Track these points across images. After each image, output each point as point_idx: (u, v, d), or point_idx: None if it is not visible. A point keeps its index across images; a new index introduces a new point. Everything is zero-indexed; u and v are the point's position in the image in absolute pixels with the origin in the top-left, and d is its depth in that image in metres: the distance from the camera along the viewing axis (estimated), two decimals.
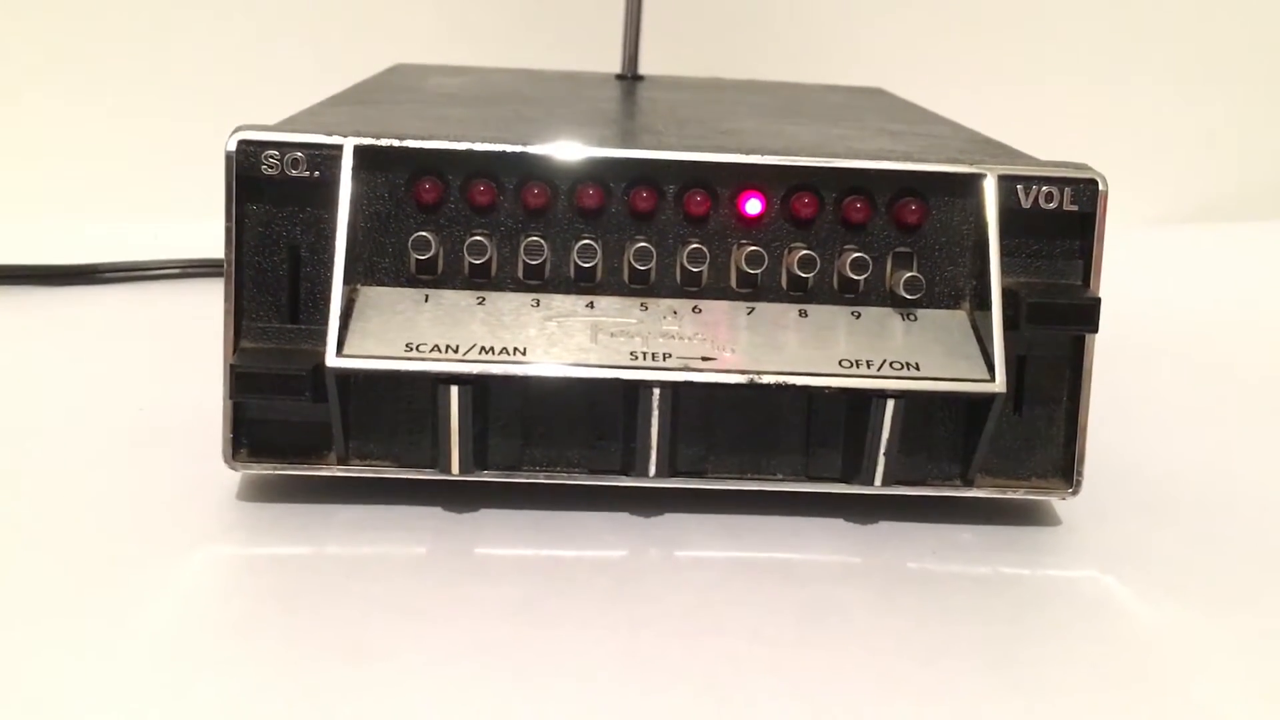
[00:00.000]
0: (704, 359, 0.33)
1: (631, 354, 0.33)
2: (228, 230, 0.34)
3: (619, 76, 0.58)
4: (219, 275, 0.61)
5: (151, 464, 0.37)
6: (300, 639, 0.28)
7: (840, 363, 0.34)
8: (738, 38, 0.74)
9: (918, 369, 0.34)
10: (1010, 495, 0.36)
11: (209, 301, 0.57)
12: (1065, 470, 0.36)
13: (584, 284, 0.35)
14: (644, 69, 0.58)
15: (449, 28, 0.72)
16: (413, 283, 0.34)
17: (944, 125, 0.46)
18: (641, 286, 0.35)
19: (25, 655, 0.28)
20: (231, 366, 0.33)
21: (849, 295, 0.35)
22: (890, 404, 0.33)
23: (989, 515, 0.36)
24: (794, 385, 0.33)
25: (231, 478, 0.36)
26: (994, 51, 0.77)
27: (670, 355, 0.33)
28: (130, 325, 0.53)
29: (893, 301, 0.35)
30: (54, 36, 0.70)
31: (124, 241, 0.61)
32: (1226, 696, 0.28)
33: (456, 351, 0.33)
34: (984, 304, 0.34)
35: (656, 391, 0.33)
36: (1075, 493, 0.35)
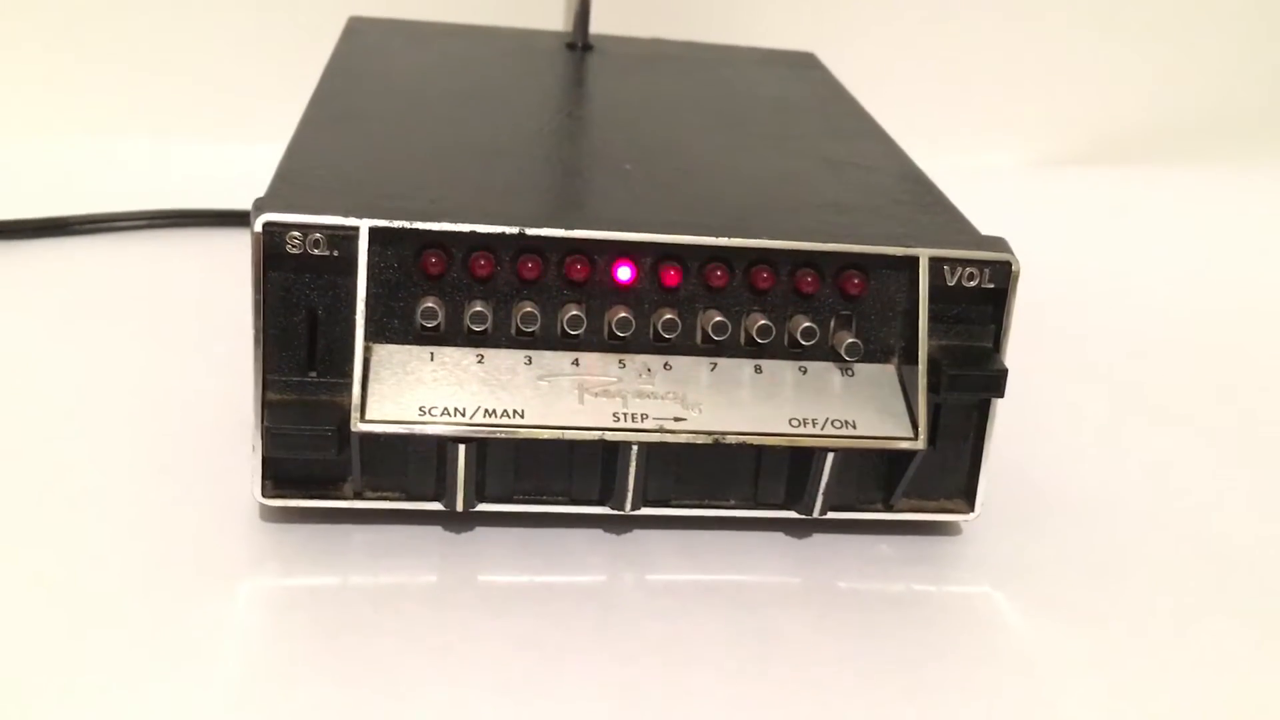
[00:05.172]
0: (675, 419, 0.39)
1: (614, 415, 0.39)
2: (255, 299, 0.38)
3: (569, 45, 0.61)
4: (187, 226, 0.65)
5: (172, 473, 0.42)
6: (346, 682, 0.34)
7: (790, 421, 0.40)
8: None
9: (854, 427, 0.40)
10: (923, 517, 0.43)
11: (183, 256, 0.60)
12: (969, 495, 0.42)
13: (570, 342, 0.40)
14: None
15: None
16: (419, 340, 0.39)
17: (877, 144, 0.51)
18: (620, 342, 0.40)
19: (93, 697, 0.33)
20: (266, 429, 0.38)
21: (797, 351, 0.41)
22: (830, 456, 0.40)
23: (904, 527, 0.43)
24: (751, 444, 0.39)
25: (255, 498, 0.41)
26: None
27: (647, 416, 0.39)
28: (108, 286, 0.57)
29: (834, 357, 0.41)
30: None
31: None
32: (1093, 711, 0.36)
33: (463, 415, 0.38)
34: (911, 359, 0.40)
35: (635, 449, 0.39)
36: (976, 515, 0.43)
